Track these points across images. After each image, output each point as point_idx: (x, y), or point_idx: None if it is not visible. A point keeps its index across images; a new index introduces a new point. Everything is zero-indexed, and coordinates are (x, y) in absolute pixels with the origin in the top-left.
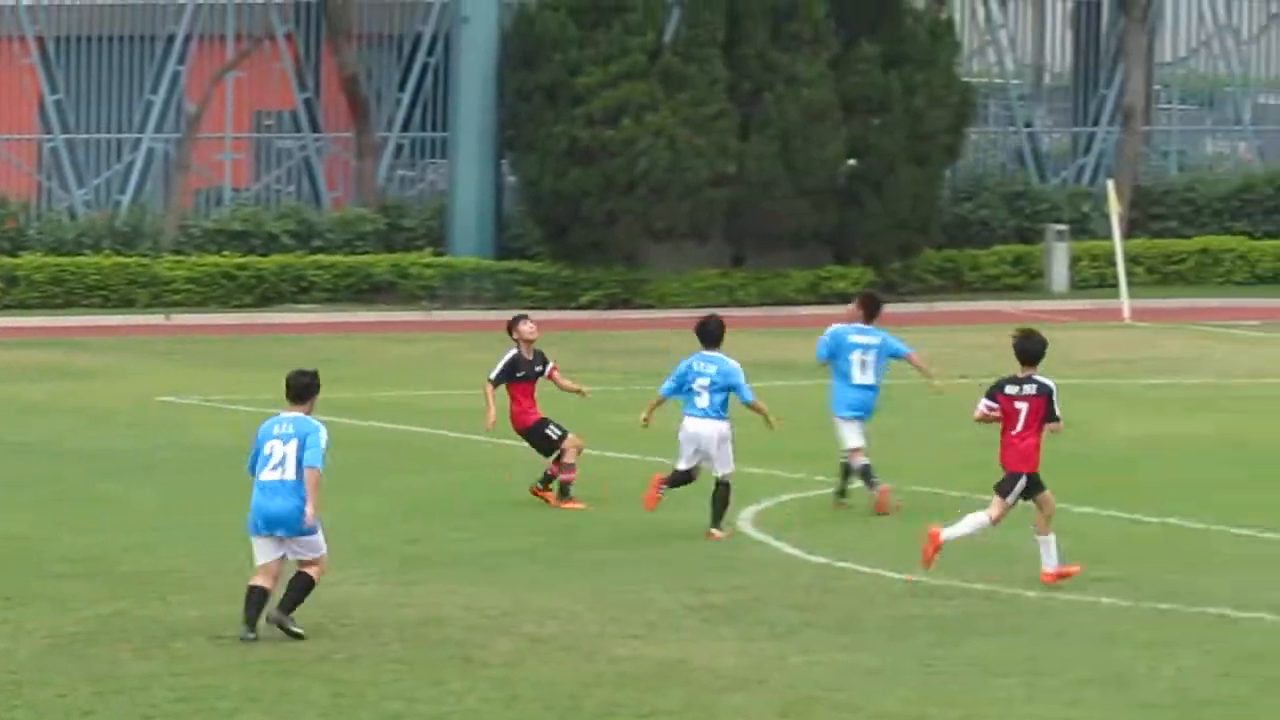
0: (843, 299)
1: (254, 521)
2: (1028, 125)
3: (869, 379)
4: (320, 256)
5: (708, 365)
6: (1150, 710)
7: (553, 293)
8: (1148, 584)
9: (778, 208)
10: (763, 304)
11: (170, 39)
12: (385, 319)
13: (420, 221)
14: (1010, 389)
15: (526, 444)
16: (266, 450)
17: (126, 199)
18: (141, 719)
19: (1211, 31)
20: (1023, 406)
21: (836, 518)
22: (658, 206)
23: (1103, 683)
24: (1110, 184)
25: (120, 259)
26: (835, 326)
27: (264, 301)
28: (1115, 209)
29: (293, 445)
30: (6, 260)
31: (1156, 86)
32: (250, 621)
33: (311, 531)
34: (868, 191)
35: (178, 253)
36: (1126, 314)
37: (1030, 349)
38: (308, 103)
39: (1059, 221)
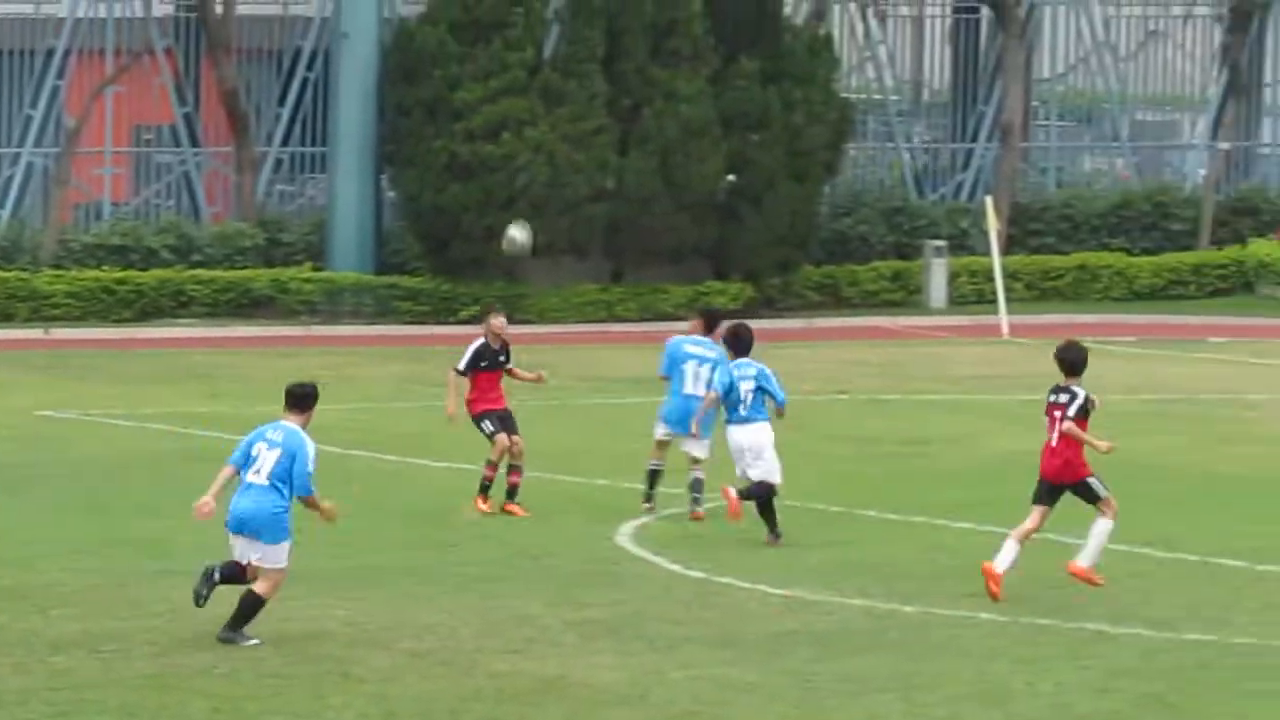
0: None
1: (228, 519)
2: (907, 141)
3: (700, 391)
4: (200, 271)
5: (748, 369)
6: None
7: (432, 308)
8: (1025, 600)
9: (657, 223)
10: (642, 319)
11: (50, 53)
12: (265, 334)
13: (300, 236)
14: (1050, 398)
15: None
16: (254, 452)
17: (5, 213)
18: None
19: (1089, 48)
20: (1057, 415)
21: (716, 533)
22: (537, 222)
23: (981, 698)
24: (989, 200)
25: None
26: (673, 338)
27: (143, 316)
28: (994, 225)
29: (275, 454)
30: None
31: (1035, 103)
32: (209, 573)
33: (279, 540)
34: (747, 207)
35: (57, 267)
36: (1005, 330)
37: (1065, 358)
38: (187, 117)
39: (937, 237)
